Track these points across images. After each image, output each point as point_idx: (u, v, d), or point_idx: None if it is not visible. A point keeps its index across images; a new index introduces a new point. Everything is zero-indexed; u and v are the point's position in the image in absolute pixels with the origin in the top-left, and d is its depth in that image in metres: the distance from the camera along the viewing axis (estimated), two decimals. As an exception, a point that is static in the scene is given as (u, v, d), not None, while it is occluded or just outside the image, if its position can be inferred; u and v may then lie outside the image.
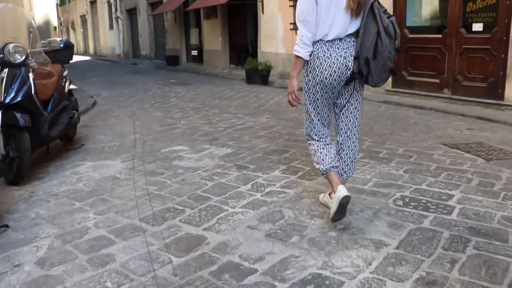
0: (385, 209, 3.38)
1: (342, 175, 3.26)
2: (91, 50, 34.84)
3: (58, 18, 44.82)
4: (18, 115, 4.29)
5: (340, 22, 2.90)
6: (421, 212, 3.31)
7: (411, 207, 3.40)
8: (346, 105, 3.18)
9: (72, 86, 6.17)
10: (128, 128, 6.83)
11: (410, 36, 8.95)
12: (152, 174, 4.44)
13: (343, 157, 3.28)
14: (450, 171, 4.22)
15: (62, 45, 5.85)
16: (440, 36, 8.37)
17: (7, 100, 4.28)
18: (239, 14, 15.44)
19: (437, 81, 8.49)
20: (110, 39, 29.25)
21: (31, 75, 4.59)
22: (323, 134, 3.22)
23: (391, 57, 2.88)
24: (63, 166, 4.91)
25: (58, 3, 42.91)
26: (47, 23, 8.75)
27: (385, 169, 4.36)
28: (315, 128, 3.21)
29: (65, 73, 5.85)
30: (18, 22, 4.92)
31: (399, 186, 3.85)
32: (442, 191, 3.71)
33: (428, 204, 3.43)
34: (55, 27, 9.92)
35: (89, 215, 3.49)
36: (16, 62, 4.46)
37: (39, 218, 3.48)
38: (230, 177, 4.26)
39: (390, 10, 9.05)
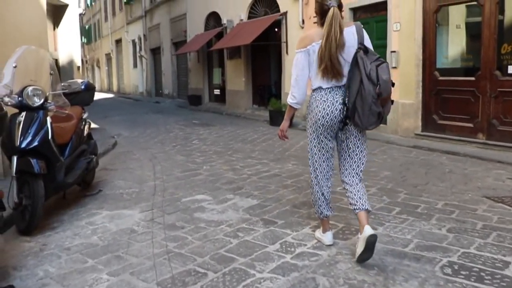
0: (432, 279, 2.98)
1: (358, 208, 3.34)
2: (115, 88, 35.24)
3: (84, 55, 45.83)
4: (33, 161, 4.06)
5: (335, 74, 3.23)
6: (475, 284, 2.90)
7: (462, 276, 3.00)
8: (345, 149, 3.46)
9: (93, 125, 5.98)
10: (148, 173, 6.55)
11: (441, 78, 8.66)
12: (172, 228, 4.12)
13: (351, 195, 3.41)
14: (500, 231, 3.82)
15: (83, 87, 5.67)
16: (473, 78, 8.05)
17: (23, 145, 4.07)
18: (263, 54, 15.35)
19: (471, 125, 8.12)
20: (134, 77, 29.53)
21: (48, 119, 4.38)
22: (321, 172, 3.52)
23: (375, 102, 3.09)
24: (79, 215, 4.63)
25: (85, 41, 43.94)
26: (70, 63, 8.83)
27: (426, 227, 3.97)
28: (316, 162, 3.52)
29: (84, 116, 5.64)
30: (39, 64, 4.74)
31: (444, 249, 3.46)
32: (495, 256, 3.31)
33: (482, 274, 3.03)
34: (78, 67, 10.01)
35: (102, 275, 3.17)
36: (34, 105, 4.26)
37: (48, 278, 3.17)
38: (257, 234, 3.91)
39: (419, 52, 8.83)
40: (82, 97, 5.70)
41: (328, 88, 3.28)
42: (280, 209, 4.61)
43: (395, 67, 9.44)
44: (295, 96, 3.39)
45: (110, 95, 31.54)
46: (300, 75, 3.34)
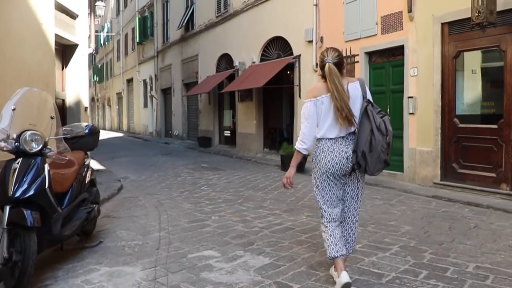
0: None
1: (346, 250, 3.69)
2: (125, 127, 35.23)
3: (95, 94, 46.19)
4: (26, 213, 3.71)
5: (339, 125, 3.48)
6: None
7: None
8: (348, 192, 3.70)
9: (99, 167, 5.65)
10: (153, 222, 6.15)
11: (461, 125, 8.33)
12: (176, 291, 3.71)
13: (345, 235, 3.73)
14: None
15: (87, 130, 5.38)
16: (495, 126, 7.72)
17: (17, 194, 3.73)
18: (275, 97, 15.12)
19: (493, 175, 7.72)
20: (144, 117, 29.48)
21: (46, 166, 4.05)
22: (332, 218, 3.67)
23: (384, 150, 3.41)
24: (75, 271, 4.24)
25: (97, 80, 44.34)
26: (78, 104, 8.65)
27: (461, 297, 3.54)
28: (325, 212, 3.69)
29: (87, 162, 5.31)
30: (40, 107, 4.47)
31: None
32: None
33: None
34: (86, 108, 9.84)
35: None
36: (32, 151, 3.95)
37: None
38: (270, 302, 3.49)
39: (438, 98, 8.55)
40: (86, 141, 5.39)
41: (334, 138, 3.53)
42: (295, 270, 4.17)
43: (412, 113, 9.14)
44: (305, 142, 3.59)
45: (120, 134, 31.48)
46: (310, 123, 3.55)
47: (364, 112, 3.45)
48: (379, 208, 7.04)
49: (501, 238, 5.26)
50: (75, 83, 9.59)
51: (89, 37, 10.71)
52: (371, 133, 3.37)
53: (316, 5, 12.03)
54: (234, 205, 7.27)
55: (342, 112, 3.42)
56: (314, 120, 3.55)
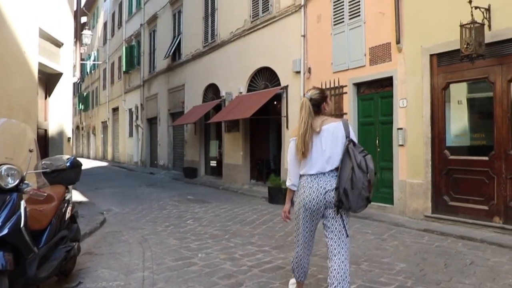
0: None
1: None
2: (109, 156, 34.80)
3: (80, 122, 45.77)
4: (-1, 254, 3.42)
5: (320, 162, 3.62)
6: None
7: None
8: (332, 229, 3.68)
9: (82, 199, 5.37)
10: (136, 260, 5.83)
11: (451, 157, 8.24)
12: None
13: (334, 274, 3.62)
14: None
15: (68, 164, 5.12)
16: (486, 158, 7.63)
17: (-11, 234, 3.45)
18: (262, 128, 14.99)
19: (486, 208, 7.61)
20: (129, 147, 29.15)
21: (23, 203, 3.77)
22: (298, 251, 3.93)
23: (365, 188, 3.47)
24: (51, 316, 3.94)
25: (82, 108, 44.00)
26: (61, 134, 8.41)
27: None
28: (297, 247, 3.91)
29: (68, 197, 5.03)
30: (18, 139, 4.22)
31: None
32: None
33: None
34: (69, 138, 9.59)
35: None
36: (8, 187, 3.68)
37: None
38: None
39: (428, 130, 8.49)
40: (67, 175, 5.13)
41: (314, 174, 3.64)
42: (288, 318, 3.94)
43: (402, 145, 9.03)
44: (291, 179, 3.81)
45: (104, 164, 31.04)
46: (293, 160, 3.77)
47: (346, 151, 3.56)
48: (371, 243, 6.82)
49: (500, 276, 5.08)
50: (59, 112, 9.34)
51: (74, 66, 10.49)
52: (352, 171, 3.48)
53: (304, 36, 12.00)
54: (222, 241, 6.98)
55: (300, 146, 3.62)
56: (295, 159, 3.74)
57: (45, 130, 9.07)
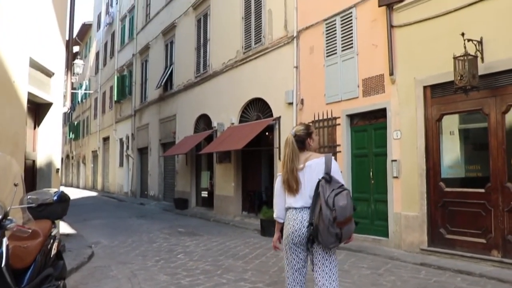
0: None
1: None
2: (99, 186, 34.44)
3: (71, 151, 45.42)
4: (-24, 297, 3.23)
5: (303, 196, 3.68)
6: None
7: None
8: (316, 263, 3.71)
9: (70, 231, 5.16)
10: (125, 298, 5.64)
11: (447, 189, 8.15)
12: None
13: None
14: None
15: (55, 198, 4.91)
16: (482, 190, 7.54)
17: (-33, 274, 3.25)
18: (254, 159, 14.86)
19: (483, 241, 7.48)
20: (119, 176, 28.86)
21: (5, 240, 3.57)
22: (289, 283, 3.80)
23: (332, 224, 3.46)
24: None
25: (72, 137, 43.74)
26: (49, 165, 8.22)
27: None
28: (287, 278, 3.83)
29: (54, 232, 4.82)
30: (3, 173, 4.06)
31: None
32: None
33: None
34: (57, 169, 9.38)
35: None
36: (-10, 223, 3.50)
37: None
38: None
39: (422, 162, 8.43)
40: (54, 209, 4.92)
41: (299, 208, 3.69)
42: None
43: (396, 177, 8.93)
44: (277, 212, 3.89)
45: (94, 194, 30.68)
46: (277, 195, 3.87)
47: (316, 188, 3.63)
48: (367, 278, 6.64)
49: (501, 314, 4.92)
50: (48, 143, 9.16)
51: (65, 96, 10.37)
52: (320, 208, 3.54)
53: (296, 67, 12.00)
54: (214, 277, 6.74)
55: (285, 181, 3.75)
56: (281, 193, 3.83)
57: (33, 161, 8.86)
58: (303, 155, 3.76)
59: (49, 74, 9.18)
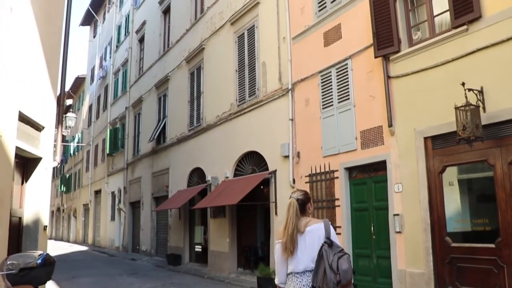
0: None
1: None
2: (90, 240, 33.63)
3: (62, 204, 44.62)
4: None
5: (305, 260, 3.77)
6: None
7: None
8: None
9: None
10: None
11: (454, 245, 7.83)
12: None
13: None
14: None
15: (39, 261, 4.50)
16: (492, 245, 7.22)
17: None
18: (249, 214, 14.47)
19: (497, 300, 7.06)
20: (110, 231, 28.17)
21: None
22: None
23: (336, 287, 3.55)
24: None
25: (64, 190, 43.09)
26: (36, 222, 7.87)
27: None
28: None
29: (36, 300, 4.41)
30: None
31: None
32: None
33: None
34: (45, 227, 9.03)
35: None
36: (-37, 294, 3.14)
37: None
38: None
39: (426, 216, 8.14)
40: (37, 274, 4.47)
41: (300, 272, 3.79)
42: None
43: (399, 232, 8.59)
44: (278, 277, 3.95)
45: (84, 248, 29.90)
46: (278, 262, 3.93)
47: (319, 252, 3.72)
48: None
49: None
50: (36, 199, 8.79)
51: (55, 150, 10.07)
52: (324, 271, 3.63)
53: (292, 119, 11.82)
54: None
55: (285, 245, 3.81)
56: (282, 260, 3.89)
57: (19, 218, 8.44)
58: (303, 219, 3.89)
59: (39, 128, 8.92)
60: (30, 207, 8.72)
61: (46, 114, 9.11)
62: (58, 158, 10.17)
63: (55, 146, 10.18)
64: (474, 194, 8.09)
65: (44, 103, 9.00)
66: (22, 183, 8.73)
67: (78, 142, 38.49)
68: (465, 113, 7.11)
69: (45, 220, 9.12)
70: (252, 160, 13.78)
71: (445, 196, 8.08)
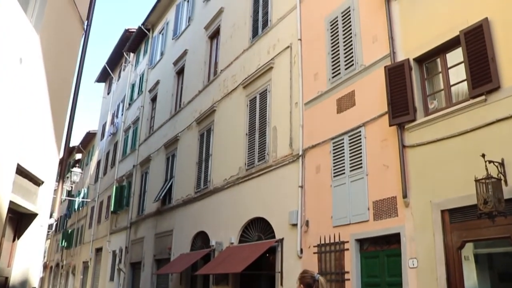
0: None
1: None
2: (88, 301, 32.56)
3: (61, 260, 43.61)
4: None
5: None
6: None
7: None
8: None
9: None
10: None
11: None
12: None
13: None
14: None
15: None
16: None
17: None
18: (254, 282, 13.73)
19: None
20: (109, 292, 27.26)
21: None
22: None
23: None
24: None
25: (65, 246, 42.24)
26: (24, 284, 7.31)
27: None
28: None
29: None
30: None
31: None
32: None
33: None
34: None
35: None
36: None
37: None
38: None
39: None
40: None
41: None
42: None
43: (415, 312, 7.93)
44: None
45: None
46: None
47: None
48: None
49: None
50: (26, 258, 8.31)
51: (53, 211, 9.68)
52: None
53: (301, 186, 11.39)
54: None
55: None
56: None
57: (6, 278, 7.92)
58: None
59: (37, 182, 8.58)
60: (19, 266, 8.23)
61: (47, 168, 8.80)
62: (56, 214, 9.78)
63: (53, 203, 9.80)
64: (495, 272, 7.62)
65: (46, 157, 8.72)
66: (14, 239, 8.29)
67: (83, 198, 38.12)
68: (486, 186, 6.73)
69: (35, 281, 8.60)
70: (258, 227, 13.23)
71: (465, 273, 7.52)
